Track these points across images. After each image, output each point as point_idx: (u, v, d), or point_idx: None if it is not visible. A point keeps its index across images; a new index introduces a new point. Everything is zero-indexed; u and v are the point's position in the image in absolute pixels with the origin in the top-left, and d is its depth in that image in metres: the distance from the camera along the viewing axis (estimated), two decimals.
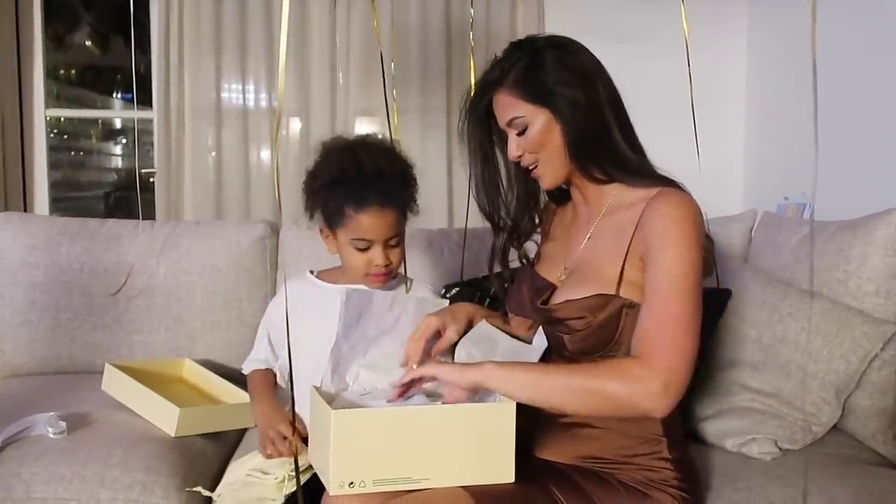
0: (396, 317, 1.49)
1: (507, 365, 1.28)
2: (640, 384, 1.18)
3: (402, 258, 1.51)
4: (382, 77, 1.84)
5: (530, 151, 1.37)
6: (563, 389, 1.23)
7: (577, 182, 1.43)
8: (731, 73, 2.97)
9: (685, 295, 1.22)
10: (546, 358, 1.39)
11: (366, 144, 1.50)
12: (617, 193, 1.39)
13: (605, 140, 1.37)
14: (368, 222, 1.42)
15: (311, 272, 1.62)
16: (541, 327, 1.39)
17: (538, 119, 1.35)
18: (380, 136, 1.56)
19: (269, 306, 1.65)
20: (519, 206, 1.48)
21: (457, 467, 1.20)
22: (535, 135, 1.35)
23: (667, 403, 1.19)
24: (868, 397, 1.58)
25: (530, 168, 1.40)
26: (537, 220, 1.53)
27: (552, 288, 1.40)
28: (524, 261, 1.53)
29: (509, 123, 1.37)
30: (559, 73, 1.35)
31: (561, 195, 1.53)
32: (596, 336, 1.30)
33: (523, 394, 1.24)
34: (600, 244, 1.38)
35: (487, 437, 1.21)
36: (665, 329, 1.21)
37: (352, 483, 1.16)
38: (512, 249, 1.52)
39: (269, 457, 1.46)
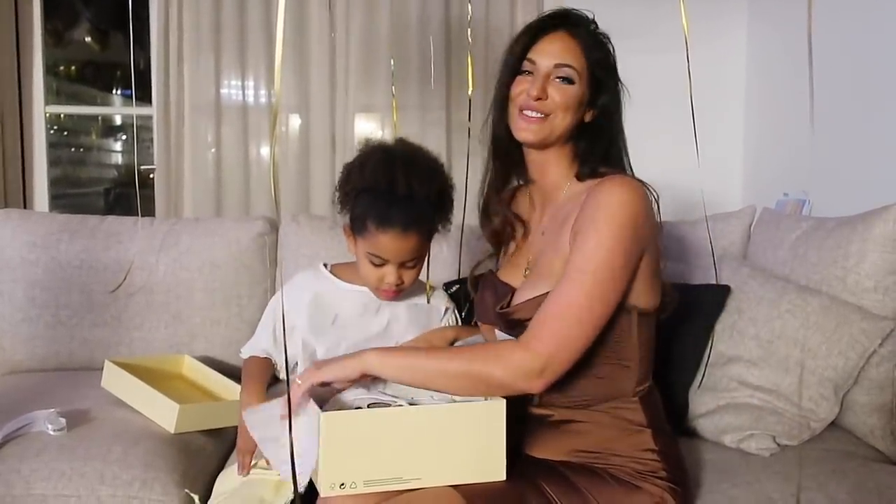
0: (385, 322, 1.49)
1: (386, 350, 1.32)
2: (518, 366, 1.21)
3: (417, 276, 1.49)
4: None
5: (554, 104, 1.34)
6: (440, 373, 1.24)
7: (539, 159, 1.42)
8: (731, 70, 2.96)
9: (592, 284, 1.22)
10: None
11: (406, 159, 1.42)
12: (572, 186, 1.39)
13: (616, 143, 1.40)
14: (387, 242, 1.39)
15: (325, 266, 1.60)
16: (497, 331, 1.39)
17: (581, 86, 1.35)
18: (423, 150, 1.48)
19: (276, 296, 1.63)
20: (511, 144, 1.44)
21: (448, 467, 1.20)
22: (571, 96, 1.34)
23: (542, 383, 1.22)
24: (866, 393, 1.58)
25: (530, 115, 1.35)
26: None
27: (512, 291, 1.40)
28: (495, 236, 1.54)
29: (558, 66, 1.34)
30: (613, 69, 1.40)
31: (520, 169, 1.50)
32: None
33: (403, 376, 1.26)
34: (550, 239, 1.38)
35: (478, 436, 1.21)
36: (559, 317, 1.22)
37: (343, 484, 1.16)
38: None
39: (244, 474, 1.44)
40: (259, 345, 1.60)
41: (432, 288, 1.61)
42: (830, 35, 2.24)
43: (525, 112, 1.36)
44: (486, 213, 1.52)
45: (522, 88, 1.36)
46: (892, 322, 1.56)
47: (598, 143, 1.38)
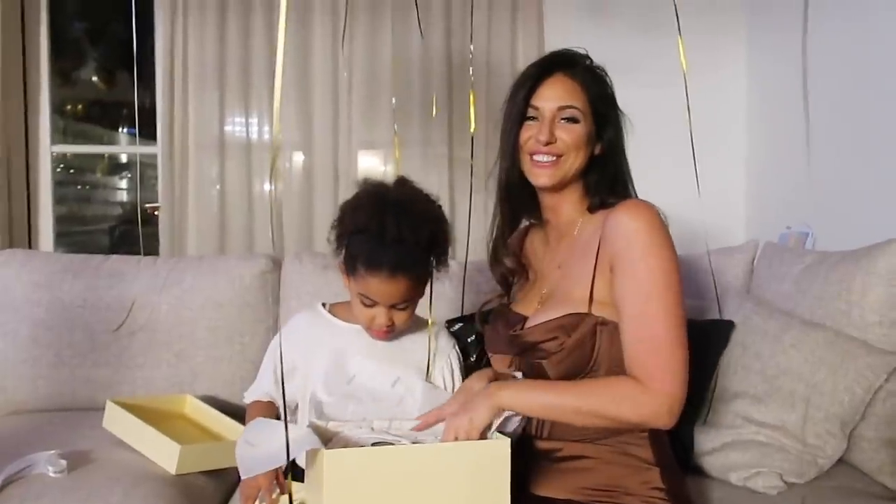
0: (400, 396, 1.48)
1: (516, 387, 1.31)
2: (648, 410, 1.25)
3: (409, 319, 1.49)
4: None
5: (565, 145, 1.38)
6: (574, 411, 1.28)
7: (555, 201, 1.45)
8: (731, 102, 2.97)
9: (666, 311, 1.26)
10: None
11: (398, 203, 1.42)
12: (587, 219, 1.42)
13: (623, 175, 1.44)
14: (376, 285, 1.40)
15: (324, 305, 1.60)
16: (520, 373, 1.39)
17: (587, 123, 1.40)
18: (416, 191, 1.48)
19: (276, 337, 1.64)
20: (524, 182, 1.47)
21: None
22: (580, 135, 1.39)
23: (673, 420, 1.26)
24: (874, 429, 1.56)
25: (542, 159, 1.39)
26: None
27: (524, 319, 1.41)
28: (504, 280, 1.57)
29: (562, 108, 1.38)
30: (613, 101, 1.44)
31: (530, 213, 1.55)
32: (573, 357, 1.30)
33: (536, 412, 1.30)
34: (569, 269, 1.40)
35: (483, 474, 1.20)
36: (657, 354, 1.25)
37: None
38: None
39: None
40: (261, 388, 1.60)
41: (434, 324, 1.60)
42: (831, 67, 2.25)
43: (536, 157, 1.40)
44: (495, 257, 1.55)
45: (530, 135, 1.40)
46: None
47: (606, 174, 1.42)
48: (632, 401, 1.25)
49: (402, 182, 1.50)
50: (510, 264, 1.54)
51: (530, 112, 1.41)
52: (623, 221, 1.30)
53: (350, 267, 1.43)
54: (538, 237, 1.55)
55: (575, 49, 1.46)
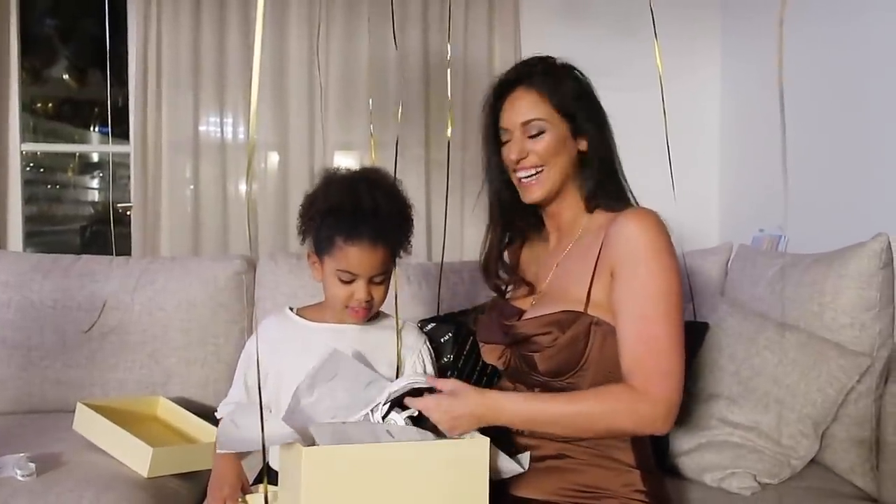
0: (371, 399, 1.47)
1: (512, 398, 1.31)
2: (646, 417, 1.25)
3: (385, 296, 1.50)
4: (400, 105, 1.82)
5: (539, 157, 1.38)
6: (569, 425, 1.28)
7: (554, 209, 1.46)
8: (706, 106, 3.01)
9: (667, 315, 1.26)
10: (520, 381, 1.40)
11: (368, 179, 1.47)
12: (588, 220, 1.42)
13: (614, 169, 1.43)
14: (357, 256, 1.40)
15: (291, 309, 1.59)
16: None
17: (557, 128, 1.39)
18: (383, 172, 1.53)
19: (245, 346, 1.62)
20: (516, 203, 1.49)
21: None
22: (550, 142, 1.38)
23: (669, 425, 1.27)
24: (845, 430, 1.58)
25: (525, 176, 1.41)
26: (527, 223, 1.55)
27: (520, 313, 1.41)
28: (497, 290, 1.56)
29: (525, 124, 1.39)
30: (585, 93, 1.42)
31: (534, 221, 1.55)
32: (565, 353, 1.31)
33: (533, 425, 1.30)
34: (568, 269, 1.40)
35: (461, 474, 1.20)
36: (657, 356, 1.25)
37: None
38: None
39: None
40: (232, 398, 1.58)
41: (404, 321, 1.60)
42: (804, 72, 2.28)
43: (520, 175, 1.42)
44: (486, 271, 1.56)
45: (506, 155, 1.42)
46: (868, 358, 1.56)
47: (595, 168, 1.41)
48: (629, 411, 1.25)
49: (367, 167, 1.54)
50: (504, 277, 1.55)
51: (502, 135, 1.44)
52: (627, 229, 1.30)
53: (325, 246, 1.43)
54: (539, 245, 1.56)
55: (534, 56, 1.46)
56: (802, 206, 2.32)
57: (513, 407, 1.29)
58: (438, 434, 1.27)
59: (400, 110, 2.43)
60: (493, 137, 1.46)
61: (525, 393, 1.34)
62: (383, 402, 1.29)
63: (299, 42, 2.96)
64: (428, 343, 1.60)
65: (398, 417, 1.29)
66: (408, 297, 2.05)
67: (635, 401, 1.24)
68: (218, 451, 1.37)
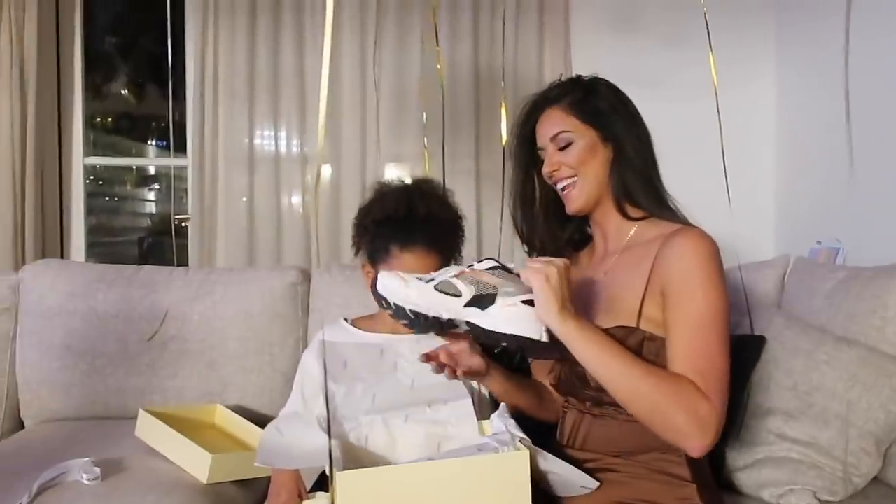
0: (393, 361, 1.48)
1: (591, 332, 1.24)
2: (702, 419, 1.20)
3: None
4: (443, 113, 1.85)
5: (570, 167, 1.41)
6: (628, 387, 1.22)
7: (599, 217, 1.47)
8: (761, 116, 2.97)
9: (721, 339, 1.26)
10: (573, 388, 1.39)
11: (420, 188, 1.52)
12: (638, 230, 1.41)
13: (647, 175, 1.42)
14: (412, 262, 1.42)
15: (346, 319, 1.62)
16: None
17: (585, 136, 1.41)
18: (434, 182, 1.57)
19: (303, 356, 1.65)
20: (550, 231, 1.52)
21: None
22: (579, 151, 1.40)
23: (712, 441, 1.21)
24: None
25: (563, 187, 1.43)
26: (564, 249, 1.56)
27: None
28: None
29: (554, 138, 1.41)
30: (612, 101, 1.43)
31: (579, 238, 1.56)
32: None
33: (590, 363, 1.24)
34: (617, 279, 1.40)
35: (501, 489, 1.17)
36: (715, 372, 1.23)
37: None
38: None
39: None
40: (289, 410, 1.61)
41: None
42: (862, 80, 2.24)
43: (559, 186, 1.45)
44: None
45: (543, 170, 1.45)
46: None
47: (624, 171, 1.41)
48: (689, 405, 1.20)
49: (418, 178, 1.58)
50: None
51: (541, 154, 1.46)
52: (683, 251, 1.30)
53: (381, 255, 1.45)
54: (584, 257, 1.56)
55: (565, 79, 1.49)
56: (859, 219, 2.28)
57: (596, 339, 1.24)
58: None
59: (443, 121, 2.44)
60: (533, 161, 1.49)
61: (612, 340, 1.27)
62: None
63: (351, 56, 3.01)
64: None
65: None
66: None
67: (699, 399, 1.21)
68: (257, 463, 1.39)
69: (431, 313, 1.21)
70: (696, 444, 1.21)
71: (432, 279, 1.22)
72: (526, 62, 2.99)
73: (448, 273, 1.23)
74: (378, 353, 1.51)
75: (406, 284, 1.21)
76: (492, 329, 1.21)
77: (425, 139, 2.36)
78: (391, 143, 3.00)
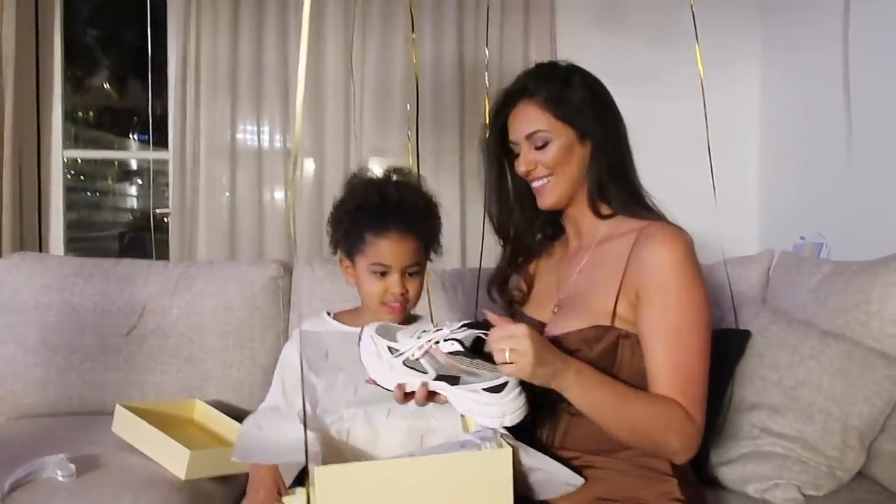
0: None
1: (586, 383, 1.21)
2: (691, 440, 1.23)
3: (420, 292, 1.50)
4: (416, 103, 1.84)
5: (546, 167, 1.38)
6: (625, 426, 1.23)
7: (573, 213, 1.45)
8: (744, 114, 2.97)
9: (700, 347, 1.26)
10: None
11: (392, 176, 1.51)
12: (610, 226, 1.40)
13: (624, 171, 1.40)
14: (387, 247, 1.41)
15: (328, 313, 1.60)
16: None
17: (562, 136, 1.38)
18: (406, 169, 1.55)
19: (283, 350, 1.63)
20: (524, 223, 1.51)
21: None
22: (556, 151, 1.37)
23: (692, 457, 1.25)
24: (893, 442, 1.54)
25: (537, 184, 1.41)
26: (538, 240, 1.55)
27: (542, 326, 1.39)
28: (510, 305, 1.54)
29: (529, 136, 1.39)
30: (589, 95, 1.39)
31: (552, 230, 1.55)
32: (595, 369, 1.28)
33: (588, 410, 1.22)
34: (592, 276, 1.38)
35: (483, 487, 1.15)
36: (694, 385, 1.24)
37: None
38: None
39: None
40: (269, 404, 1.58)
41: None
42: (839, 79, 2.24)
43: (533, 185, 1.43)
44: (490, 294, 1.56)
45: (517, 168, 1.43)
46: None
47: (601, 169, 1.39)
48: (681, 429, 1.22)
49: (391, 167, 1.56)
50: (509, 298, 1.54)
51: (513, 148, 1.43)
52: (658, 254, 1.28)
53: (356, 244, 1.44)
54: (559, 251, 1.54)
55: (538, 64, 1.46)
56: (841, 215, 2.28)
57: (589, 385, 1.21)
58: (484, 360, 1.18)
59: (417, 113, 2.42)
60: (505, 152, 1.46)
61: (601, 375, 1.25)
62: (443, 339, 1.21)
63: (335, 50, 2.98)
64: None
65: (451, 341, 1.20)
66: (443, 303, 2.04)
67: (686, 421, 1.22)
68: (233, 458, 1.36)
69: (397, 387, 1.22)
70: (683, 458, 1.25)
71: (402, 354, 1.22)
72: (511, 60, 2.97)
73: (415, 344, 1.21)
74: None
75: (379, 358, 1.23)
76: (455, 407, 1.22)
77: (409, 132, 2.34)
78: (375, 137, 2.98)
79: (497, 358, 1.15)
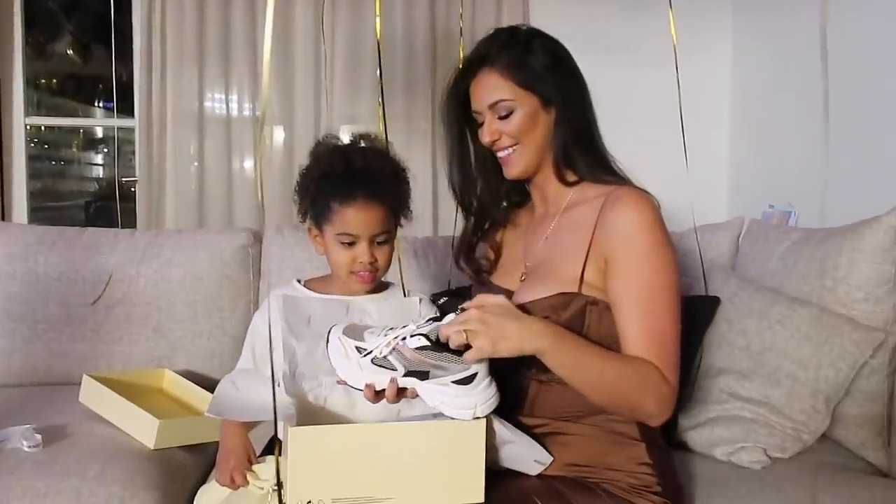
0: (358, 320, 1.45)
1: (562, 346, 1.20)
2: (666, 401, 1.22)
3: (390, 260, 1.48)
4: (380, 70, 1.80)
5: (511, 136, 1.36)
6: (600, 387, 1.21)
7: (539, 180, 1.44)
8: (716, 82, 2.97)
9: (671, 310, 1.25)
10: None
11: (357, 143, 1.48)
12: (576, 192, 1.39)
13: (589, 137, 1.39)
14: (354, 216, 1.39)
15: (299, 281, 1.58)
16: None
17: (526, 105, 1.35)
18: (373, 135, 1.52)
19: (254, 318, 1.61)
20: (488, 191, 1.49)
21: (422, 487, 1.16)
22: (520, 120, 1.35)
23: (667, 418, 1.24)
24: (857, 405, 1.57)
25: (502, 154, 1.39)
26: (504, 209, 1.53)
27: (510, 294, 1.38)
28: (478, 274, 1.52)
29: (492, 106, 1.36)
30: (551, 62, 1.36)
31: (517, 197, 1.53)
32: None
33: (566, 373, 1.21)
34: (558, 243, 1.37)
35: (456, 456, 1.16)
36: (666, 349, 1.23)
37: (310, 501, 1.12)
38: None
39: (222, 484, 1.42)
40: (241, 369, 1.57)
41: (409, 292, 1.58)
42: (812, 46, 2.25)
43: (499, 155, 1.40)
44: (457, 263, 1.54)
45: (481, 138, 1.40)
46: (882, 333, 1.55)
47: (567, 136, 1.37)
48: (656, 390, 1.21)
49: (357, 133, 1.52)
50: (475, 268, 1.52)
51: (476, 117, 1.41)
52: (625, 219, 1.27)
53: (323, 213, 1.42)
54: (525, 218, 1.53)
55: (497, 29, 1.42)
56: (810, 183, 2.30)
57: (566, 347, 1.20)
58: (452, 353, 1.17)
59: (380, 78, 2.39)
60: (467, 120, 1.44)
61: (578, 338, 1.24)
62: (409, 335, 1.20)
63: (304, 16, 2.93)
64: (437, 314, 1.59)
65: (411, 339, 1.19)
66: (415, 271, 2.04)
67: (661, 382, 1.22)
68: (207, 413, 1.35)
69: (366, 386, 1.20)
70: (658, 420, 1.25)
71: (370, 353, 1.20)
72: (484, 26, 2.93)
73: (382, 342, 1.20)
74: (344, 310, 1.47)
75: (347, 358, 1.21)
76: (427, 402, 1.20)
77: (380, 99, 2.31)
78: (346, 104, 2.94)
79: (453, 343, 1.14)
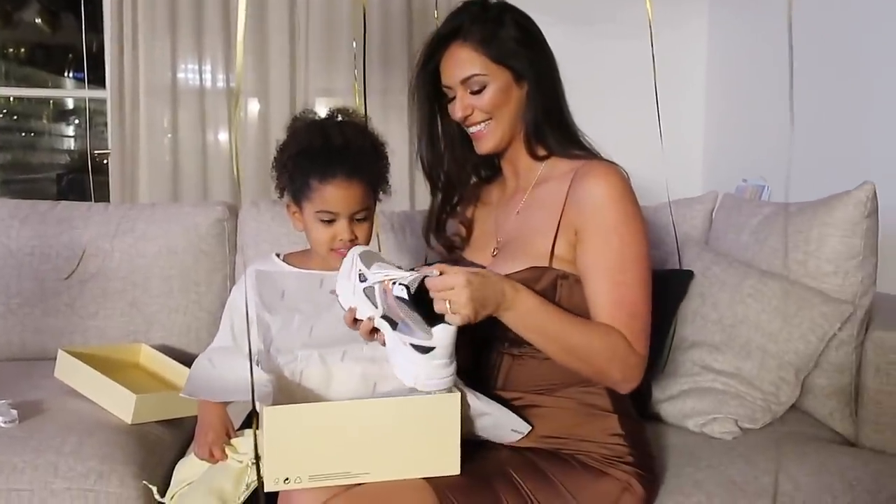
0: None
1: (530, 309, 1.23)
2: (633, 370, 1.26)
3: (370, 236, 1.48)
4: (364, 45, 1.79)
5: (484, 111, 1.36)
6: (566, 351, 1.24)
7: (510, 155, 1.44)
8: (691, 57, 2.98)
9: (642, 280, 1.27)
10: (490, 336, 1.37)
11: (335, 118, 1.46)
12: (546, 167, 1.40)
13: (559, 111, 1.40)
14: (333, 194, 1.38)
15: (278, 255, 1.57)
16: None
17: (498, 79, 1.35)
18: (351, 110, 1.51)
19: (231, 292, 1.60)
20: (456, 167, 1.48)
21: (399, 461, 1.17)
22: (493, 95, 1.35)
23: (637, 383, 1.28)
24: (826, 377, 1.60)
25: (474, 129, 1.39)
26: (473, 183, 1.53)
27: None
28: (450, 251, 1.53)
29: (465, 81, 1.35)
30: (523, 37, 1.36)
31: (488, 171, 1.54)
32: None
33: (531, 336, 1.24)
34: (530, 217, 1.38)
35: (431, 430, 1.17)
36: (636, 319, 1.26)
37: (287, 479, 1.13)
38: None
39: (201, 458, 1.43)
40: (218, 346, 1.56)
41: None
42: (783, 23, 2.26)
43: (470, 130, 1.40)
44: (427, 241, 1.54)
45: (453, 113, 1.40)
46: (851, 306, 1.58)
47: (538, 110, 1.38)
48: (622, 359, 1.24)
49: (335, 107, 1.50)
50: (445, 244, 1.53)
51: (447, 92, 1.40)
52: (595, 191, 1.28)
53: (302, 190, 1.41)
54: (496, 193, 1.53)
55: (467, 2, 1.40)
56: (783, 158, 2.32)
57: (533, 308, 1.23)
58: (431, 315, 1.17)
59: (364, 50, 2.38)
60: (437, 95, 1.43)
61: (546, 302, 1.26)
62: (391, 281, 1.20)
63: None
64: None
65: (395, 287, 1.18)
66: (393, 245, 2.04)
67: (629, 351, 1.25)
68: (183, 394, 1.35)
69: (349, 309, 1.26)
70: (626, 387, 1.28)
71: (366, 279, 1.22)
72: None
73: (378, 276, 1.21)
74: (318, 284, 1.47)
75: (349, 278, 1.25)
76: (387, 351, 1.21)
77: (356, 71, 2.30)
78: (321, 76, 2.92)
79: (437, 308, 1.15)
